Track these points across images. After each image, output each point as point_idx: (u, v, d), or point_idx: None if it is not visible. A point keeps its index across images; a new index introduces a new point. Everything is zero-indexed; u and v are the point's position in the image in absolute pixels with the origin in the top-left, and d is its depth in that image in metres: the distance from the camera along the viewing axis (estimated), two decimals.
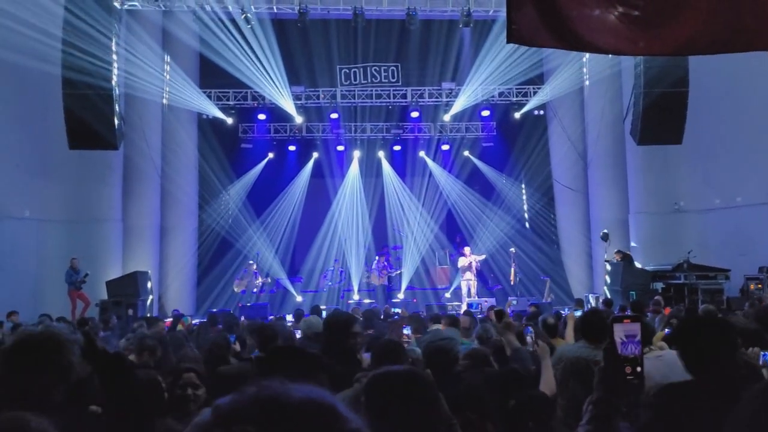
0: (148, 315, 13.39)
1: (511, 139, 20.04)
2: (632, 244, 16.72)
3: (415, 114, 19.42)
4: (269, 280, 18.01)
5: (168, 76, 17.06)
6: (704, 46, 4.23)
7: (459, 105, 18.79)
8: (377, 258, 18.55)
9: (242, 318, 11.61)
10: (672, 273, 14.58)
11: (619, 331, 2.06)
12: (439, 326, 7.70)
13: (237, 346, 6.70)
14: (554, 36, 4.03)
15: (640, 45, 4.22)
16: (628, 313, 10.39)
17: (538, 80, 18.79)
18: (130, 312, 13.26)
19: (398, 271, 18.57)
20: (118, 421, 2.32)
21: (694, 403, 2.38)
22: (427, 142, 20.38)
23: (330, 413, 0.92)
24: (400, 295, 18.07)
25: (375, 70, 18.74)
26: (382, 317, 11.10)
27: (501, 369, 4.41)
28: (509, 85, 18.46)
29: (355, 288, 18.29)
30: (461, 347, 5.23)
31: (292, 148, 20.18)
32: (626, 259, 15.26)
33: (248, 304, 16.39)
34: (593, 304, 14.58)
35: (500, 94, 18.94)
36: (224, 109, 18.50)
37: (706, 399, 2.33)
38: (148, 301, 14.68)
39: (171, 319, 11.73)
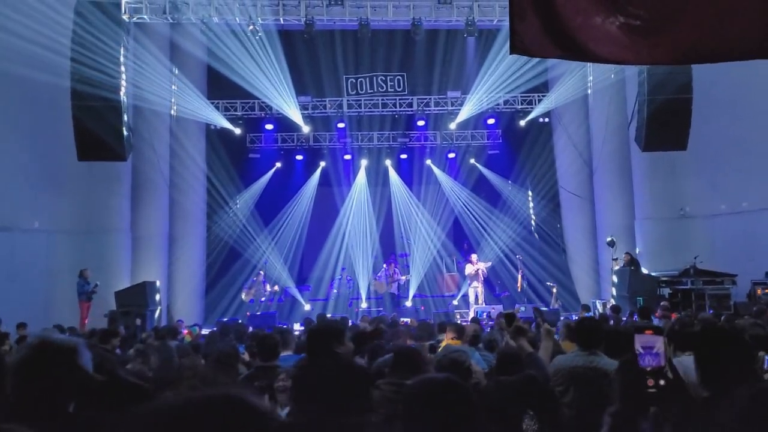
0: (156, 325, 13.47)
1: (517, 146, 20.10)
2: (638, 249, 16.71)
3: (421, 122, 19.55)
4: (277, 288, 18.06)
5: (176, 88, 17.19)
6: (707, 54, 4.26)
7: (464, 113, 18.87)
8: (384, 266, 18.60)
9: (250, 328, 11.65)
10: (679, 278, 14.56)
11: (638, 342, 2.05)
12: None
13: (246, 356, 6.75)
14: (557, 47, 4.08)
15: (643, 54, 4.25)
16: (635, 320, 10.42)
17: (543, 88, 18.89)
18: (138, 322, 13.29)
19: (407, 276, 18.58)
20: None
21: (708, 421, 2.23)
22: (434, 151, 20.48)
23: (240, 404, 0.97)
24: (408, 303, 18.10)
25: (381, 79, 18.86)
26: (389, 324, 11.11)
27: (518, 376, 4.37)
28: (514, 93, 18.52)
29: (363, 296, 18.32)
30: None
31: (299, 157, 20.31)
32: (634, 263, 15.31)
33: (257, 313, 16.45)
34: (600, 310, 14.59)
35: (505, 102, 19.01)
36: (232, 120, 18.64)
37: (718, 417, 2.26)
38: (157, 312, 14.72)
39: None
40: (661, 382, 2.00)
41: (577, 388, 4.35)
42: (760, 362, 4.57)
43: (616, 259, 15.67)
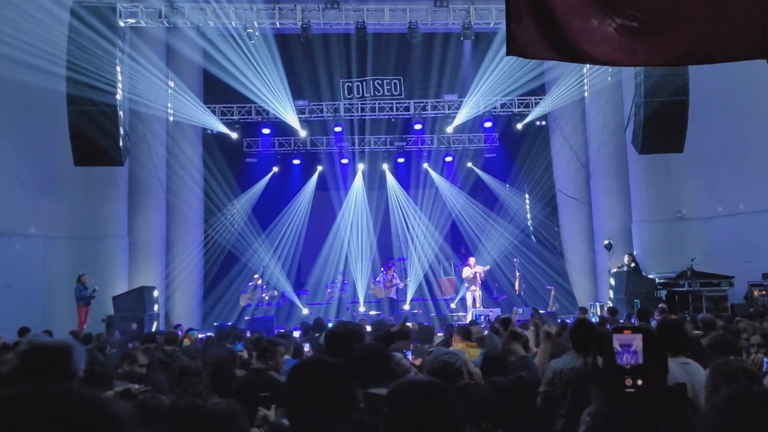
0: (154, 330, 13.45)
1: (514, 149, 20.13)
2: (635, 252, 16.73)
3: (418, 126, 19.56)
4: (275, 293, 18.03)
5: (172, 92, 17.19)
6: (703, 56, 4.26)
7: (461, 117, 18.88)
8: (383, 270, 18.59)
9: (248, 333, 11.62)
10: (676, 281, 14.57)
11: (616, 341, 2.03)
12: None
13: (245, 354, 6.74)
14: (553, 48, 4.09)
15: (639, 56, 4.26)
16: (634, 322, 10.42)
17: (540, 91, 18.89)
18: (135, 326, 13.23)
19: (408, 280, 18.55)
20: None
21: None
22: (431, 154, 20.50)
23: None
24: (406, 306, 18.06)
25: (378, 83, 18.87)
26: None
27: (510, 378, 4.40)
28: (511, 96, 18.55)
29: (361, 300, 18.31)
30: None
31: (296, 161, 20.33)
32: (636, 263, 15.43)
33: (254, 318, 16.41)
34: (598, 313, 14.60)
35: (502, 106, 19.02)
36: (228, 124, 18.63)
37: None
38: (155, 316, 14.70)
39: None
40: (639, 382, 1.97)
41: (577, 389, 4.39)
42: (759, 365, 4.57)
43: (621, 267, 15.68)
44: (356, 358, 3.59)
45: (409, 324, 5.83)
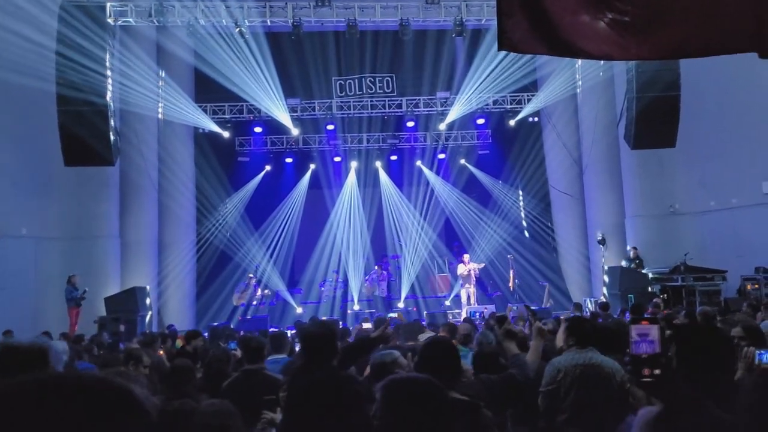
0: (147, 331, 13.37)
1: (507, 146, 20.12)
2: (629, 247, 16.77)
3: (410, 123, 19.53)
4: (269, 292, 17.98)
5: (163, 91, 17.09)
6: (696, 49, 4.26)
7: (454, 114, 18.85)
8: (375, 268, 18.56)
9: (241, 332, 11.57)
10: (669, 275, 14.61)
11: (633, 331, 2.05)
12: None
13: (238, 353, 6.70)
14: (545, 43, 4.07)
15: (631, 50, 4.24)
16: (627, 318, 10.42)
17: (532, 87, 18.89)
18: (122, 328, 13.10)
19: (385, 281, 18.53)
20: None
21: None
22: (424, 151, 20.46)
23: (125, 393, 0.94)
24: (400, 304, 18.05)
25: (370, 80, 18.82)
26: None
27: (499, 375, 4.39)
28: (503, 92, 18.52)
29: (356, 298, 18.27)
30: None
31: (289, 160, 20.27)
32: (638, 258, 15.56)
33: (248, 317, 16.37)
34: (592, 309, 14.62)
35: (495, 102, 19.01)
36: (220, 123, 18.54)
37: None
38: (147, 317, 14.62)
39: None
40: (657, 371, 1.98)
41: (581, 386, 4.42)
42: (750, 357, 4.56)
43: (629, 260, 15.79)
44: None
45: (395, 314, 5.80)
